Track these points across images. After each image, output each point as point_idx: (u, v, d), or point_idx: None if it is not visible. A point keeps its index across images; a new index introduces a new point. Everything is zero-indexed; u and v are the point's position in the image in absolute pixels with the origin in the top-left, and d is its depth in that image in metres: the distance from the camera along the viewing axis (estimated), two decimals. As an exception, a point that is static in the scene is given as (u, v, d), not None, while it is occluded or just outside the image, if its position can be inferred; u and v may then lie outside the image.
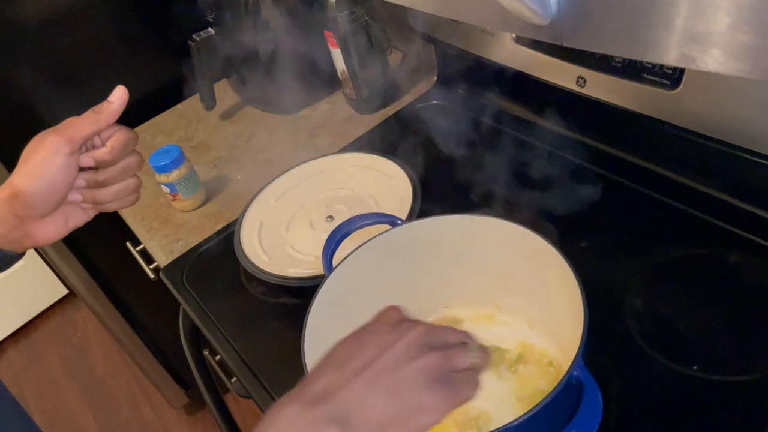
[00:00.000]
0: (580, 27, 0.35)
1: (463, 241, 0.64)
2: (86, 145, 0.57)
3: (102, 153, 0.57)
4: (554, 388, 0.47)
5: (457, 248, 0.65)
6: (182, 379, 1.63)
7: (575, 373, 0.48)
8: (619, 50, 0.34)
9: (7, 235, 0.56)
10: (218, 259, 0.87)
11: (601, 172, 0.78)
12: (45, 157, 0.54)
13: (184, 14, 1.08)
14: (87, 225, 1.29)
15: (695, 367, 0.59)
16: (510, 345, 0.65)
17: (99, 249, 1.31)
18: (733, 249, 0.67)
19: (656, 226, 0.72)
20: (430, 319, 0.69)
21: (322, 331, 0.60)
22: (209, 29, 1.05)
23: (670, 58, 0.32)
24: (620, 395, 0.59)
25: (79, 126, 0.55)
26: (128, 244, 1.13)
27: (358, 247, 0.63)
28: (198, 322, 0.81)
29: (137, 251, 1.10)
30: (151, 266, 1.07)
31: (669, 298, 0.66)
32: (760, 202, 0.66)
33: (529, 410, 0.46)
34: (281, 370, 0.71)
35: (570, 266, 0.54)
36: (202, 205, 0.97)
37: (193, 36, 1.05)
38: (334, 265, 0.63)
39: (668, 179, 0.73)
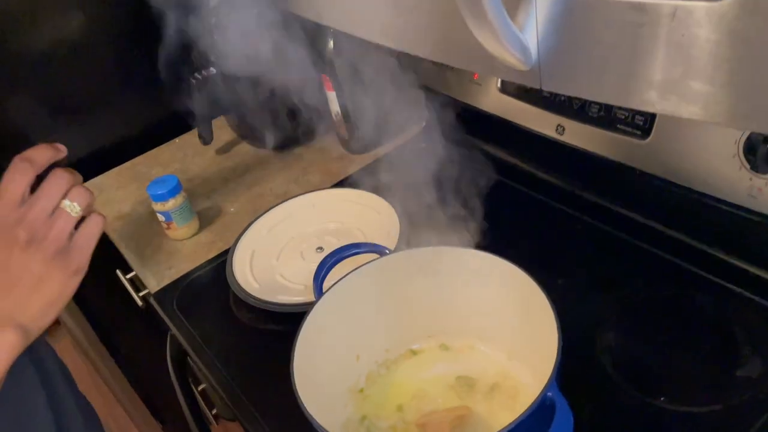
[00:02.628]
0: (556, 74, 0.40)
1: (447, 272, 0.68)
2: None
3: None
4: (528, 407, 0.50)
5: (441, 279, 0.69)
6: (159, 415, 1.62)
7: (548, 394, 0.51)
8: (590, 95, 0.39)
9: None
10: (209, 286, 0.89)
11: (577, 215, 0.83)
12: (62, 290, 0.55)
13: (188, 52, 1.14)
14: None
15: (663, 399, 0.63)
16: (488, 374, 0.68)
17: (87, 276, 1.32)
18: (699, 290, 0.71)
19: (628, 267, 0.77)
20: (415, 346, 0.72)
21: (311, 352, 0.62)
22: (211, 68, 1.10)
23: (633, 102, 0.37)
24: (591, 424, 0.62)
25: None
26: (118, 271, 1.15)
27: (347, 274, 0.66)
28: (187, 347, 0.83)
29: (127, 279, 1.12)
30: (140, 294, 1.09)
31: (639, 334, 0.70)
32: (723, 247, 0.71)
33: (503, 428, 0.49)
34: (268, 393, 0.73)
35: (544, 293, 0.58)
36: (195, 234, 1.00)
37: (195, 74, 1.10)
38: (324, 291, 0.66)
39: (639, 223, 0.78)
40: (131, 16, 1.21)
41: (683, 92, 0.34)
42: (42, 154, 0.56)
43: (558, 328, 0.54)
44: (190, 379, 0.98)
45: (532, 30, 0.39)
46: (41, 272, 0.53)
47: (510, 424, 0.49)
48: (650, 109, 0.36)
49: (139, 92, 1.27)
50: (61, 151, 0.58)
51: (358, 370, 0.70)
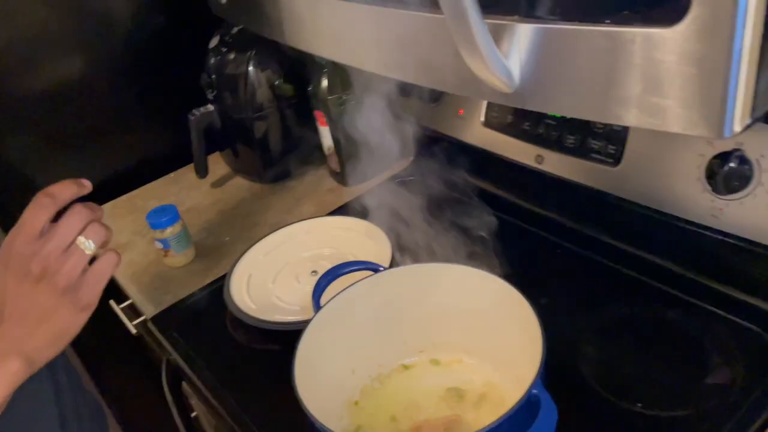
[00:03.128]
0: (537, 94, 0.46)
1: (437, 288, 0.73)
2: None
3: None
4: (515, 404, 0.54)
5: (431, 294, 0.73)
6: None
7: (534, 391, 0.55)
8: (567, 111, 0.45)
9: None
10: (207, 310, 0.93)
11: (557, 240, 0.89)
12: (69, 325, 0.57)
13: (186, 90, 1.19)
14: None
15: (639, 405, 0.67)
16: (476, 386, 0.72)
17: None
18: (670, 306, 0.76)
19: (605, 287, 0.82)
20: (407, 361, 0.76)
21: (309, 365, 0.66)
22: (209, 105, 1.16)
23: (604, 116, 0.43)
24: (574, 429, 0.66)
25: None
26: (111, 301, 1.18)
27: (344, 289, 0.71)
28: (186, 368, 0.85)
29: (121, 308, 1.14)
30: (135, 322, 1.12)
31: (617, 348, 0.74)
32: (691, 266, 0.77)
33: (491, 423, 0.53)
34: (268, 410, 0.76)
35: (527, 301, 0.63)
36: (191, 261, 1.03)
37: (193, 111, 1.15)
38: (322, 305, 0.70)
39: (613, 246, 0.84)
40: (129, 55, 1.27)
41: (645, 106, 0.40)
42: (65, 190, 0.59)
43: (541, 327, 0.59)
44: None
45: (515, 57, 0.45)
46: (49, 306, 0.55)
47: (495, 420, 0.53)
48: (618, 122, 0.42)
49: (135, 128, 1.32)
50: (86, 186, 0.61)
51: (353, 384, 0.74)
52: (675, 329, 0.75)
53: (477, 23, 0.43)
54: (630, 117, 0.41)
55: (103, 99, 1.28)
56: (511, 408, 0.54)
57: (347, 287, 0.71)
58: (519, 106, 0.48)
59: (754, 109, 0.36)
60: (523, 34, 0.44)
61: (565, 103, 0.45)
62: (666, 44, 0.37)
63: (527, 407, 0.55)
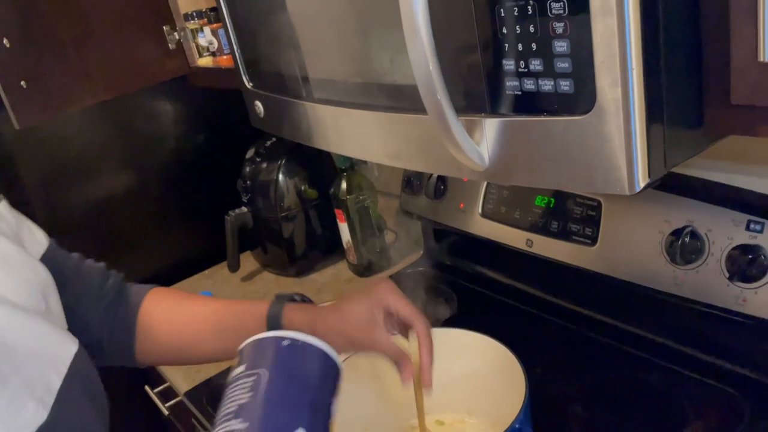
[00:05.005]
0: (501, 171, 0.59)
1: (440, 352, 0.82)
2: None
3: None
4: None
5: (435, 358, 0.83)
6: None
7: (517, 426, 0.64)
8: (524, 182, 0.58)
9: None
10: (235, 383, 1.02)
11: (548, 317, 0.99)
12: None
13: (223, 195, 1.36)
14: (106, 374, 1.45)
15: (622, 455, 0.75)
16: (477, 442, 0.80)
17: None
18: (646, 369, 0.85)
19: (591, 354, 0.91)
20: (415, 422, 0.84)
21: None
22: (243, 207, 1.31)
23: (551, 185, 0.56)
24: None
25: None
26: (146, 387, 1.27)
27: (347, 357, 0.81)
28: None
29: (155, 393, 1.24)
30: (168, 404, 1.21)
31: (602, 407, 0.83)
32: (662, 332, 0.87)
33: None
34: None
35: (513, 354, 0.73)
36: (222, 343, 1.14)
37: (229, 212, 1.31)
38: (337, 366, 0.81)
39: (595, 318, 0.94)
40: (175, 167, 1.46)
41: (577, 173, 0.53)
42: None
43: (525, 374, 0.69)
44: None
45: (484, 143, 0.59)
46: None
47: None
48: (561, 189, 0.55)
49: (175, 230, 1.48)
50: None
51: (367, 444, 0.82)
52: (653, 389, 0.83)
53: (453, 121, 0.57)
54: (568, 184, 0.54)
55: (149, 204, 1.46)
56: (497, 438, 0.63)
57: (348, 356, 0.81)
58: (489, 181, 0.61)
59: (650, 172, 0.49)
60: (488, 126, 0.58)
61: (522, 177, 0.58)
62: (584, 127, 0.50)
63: (512, 438, 0.63)
